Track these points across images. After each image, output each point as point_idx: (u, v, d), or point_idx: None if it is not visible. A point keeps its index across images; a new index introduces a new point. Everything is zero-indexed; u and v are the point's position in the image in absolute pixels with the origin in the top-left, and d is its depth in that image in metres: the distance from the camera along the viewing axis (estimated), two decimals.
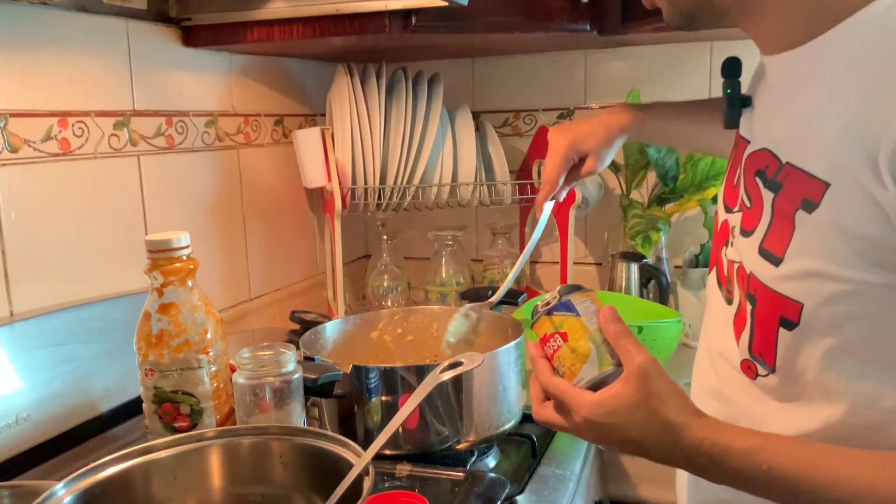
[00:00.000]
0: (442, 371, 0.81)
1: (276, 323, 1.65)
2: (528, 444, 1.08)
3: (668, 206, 1.66)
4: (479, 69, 1.88)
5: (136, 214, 1.31)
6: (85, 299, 1.17)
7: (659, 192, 1.67)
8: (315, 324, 1.37)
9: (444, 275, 1.67)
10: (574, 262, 1.66)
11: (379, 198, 1.55)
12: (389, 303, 1.63)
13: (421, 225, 1.96)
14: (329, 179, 1.54)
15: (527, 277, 1.84)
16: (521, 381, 1.07)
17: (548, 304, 0.73)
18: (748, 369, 0.68)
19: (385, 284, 1.64)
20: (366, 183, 1.54)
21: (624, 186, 1.73)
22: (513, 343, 1.05)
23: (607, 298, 1.43)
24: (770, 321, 0.63)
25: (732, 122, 0.72)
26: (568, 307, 0.73)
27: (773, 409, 0.66)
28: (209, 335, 0.91)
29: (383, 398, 0.98)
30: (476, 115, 1.86)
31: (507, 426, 1.04)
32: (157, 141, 1.35)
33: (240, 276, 1.57)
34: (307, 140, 1.55)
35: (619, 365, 0.66)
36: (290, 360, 0.87)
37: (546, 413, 0.70)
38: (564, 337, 0.69)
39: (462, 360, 0.82)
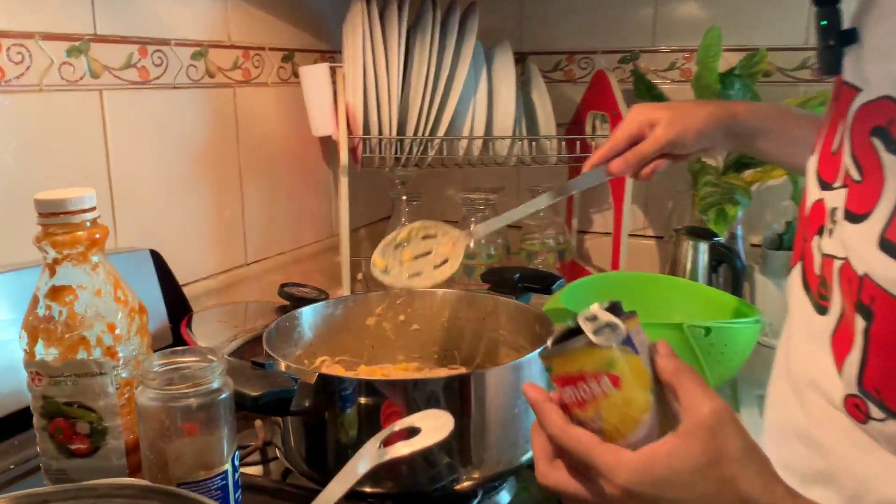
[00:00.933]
0: (383, 444, 0.56)
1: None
2: None
3: (748, 174, 1.35)
4: (529, 1, 1.58)
5: (96, 164, 1.07)
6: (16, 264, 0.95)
7: (737, 155, 1.36)
8: (308, 301, 1.12)
9: (472, 245, 1.40)
10: (629, 235, 1.37)
11: (397, 151, 1.29)
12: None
13: (448, 185, 1.68)
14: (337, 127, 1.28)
15: (571, 250, 1.56)
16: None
17: (597, 325, 0.50)
18: (855, 408, 0.52)
19: None
20: (381, 133, 1.27)
21: None
22: (538, 351, 0.78)
23: (668, 286, 1.15)
24: (893, 344, 0.48)
25: (830, 66, 0.56)
26: (624, 338, 0.51)
27: (889, 466, 0.50)
28: (118, 330, 0.67)
29: (359, 418, 0.73)
30: (521, 57, 1.56)
31: (526, 456, 0.78)
32: (127, 73, 1.11)
33: (233, 237, 1.33)
34: (313, 78, 1.28)
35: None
36: (213, 374, 0.62)
37: (557, 477, 0.53)
38: (616, 381, 0.50)
39: (419, 425, 0.56)
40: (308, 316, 0.94)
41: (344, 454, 0.73)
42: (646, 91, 1.46)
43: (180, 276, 1.21)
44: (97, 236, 0.67)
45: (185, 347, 0.65)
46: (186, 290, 1.22)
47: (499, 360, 0.97)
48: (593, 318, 0.50)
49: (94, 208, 0.67)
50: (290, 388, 0.68)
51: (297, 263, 1.48)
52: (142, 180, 1.14)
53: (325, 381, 0.73)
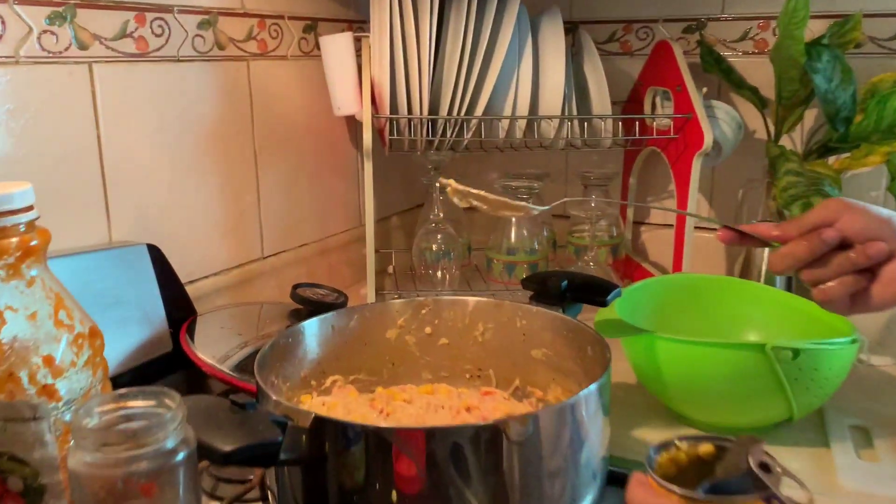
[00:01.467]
0: None
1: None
2: None
3: (835, 160, 1.15)
4: None
5: (84, 147, 0.94)
6: None
7: (823, 138, 1.17)
8: (323, 305, 0.98)
9: (513, 238, 1.24)
10: (693, 228, 1.19)
11: (429, 133, 1.13)
12: (439, 274, 1.21)
13: (486, 170, 1.51)
14: (361, 105, 1.12)
15: (626, 245, 1.38)
16: (605, 418, 0.64)
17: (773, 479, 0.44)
18: None
19: (434, 248, 1.22)
20: (410, 112, 1.11)
21: (772, 129, 1.22)
22: (596, 386, 0.62)
23: (742, 292, 0.97)
24: None
25: None
26: None
27: None
28: (59, 362, 0.53)
29: (366, 472, 0.58)
30: (572, 26, 1.38)
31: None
32: (122, 44, 0.96)
33: (247, 228, 1.19)
34: (334, 50, 1.13)
35: None
36: (167, 428, 0.47)
37: None
38: None
39: None
40: (315, 329, 0.79)
41: None
42: (714, 64, 1.27)
43: (186, 272, 1.07)
44: (34, 243, 0.53)
45: (136, 389, 0.50)
46: (193, 289, 1.08)
47: (542, 385, 0.81)
48: (766, 469, 0.43)
49: (30, 208, 0.53)
50: (272, 441, 0.53)
51: (321, 256, 1.34)
52: (140, 165, 1.00)
53: (322, 427, 0.57)
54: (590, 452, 0.62)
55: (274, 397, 0.61)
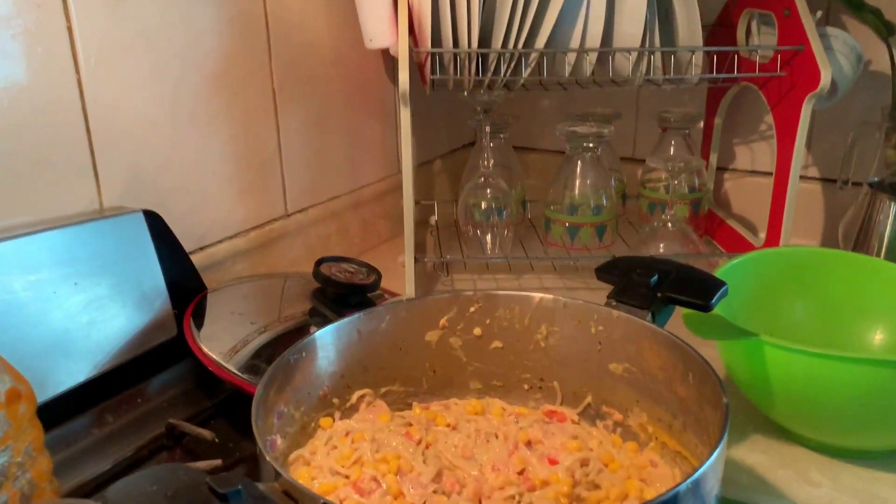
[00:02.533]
0: None
1: (331, 252, 1.11)
2: None
3: None
4: None
5: (62, 96, 0.76)
6: None
7: None
8: (351, 289, 0.81)
9: (576, 193, 1.04)
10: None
11: (478, 71, 0.92)
12: (489, 237, 1.03)
13: (546, 110, 1.30)
14: (396, 38, 0.92)
15: (710, 198, 1.17)
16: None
17: None
18: None
19: (483, 206, 1.03)
20: (457, 45, 0.90)
21: None
22: (707, 466, 0.44)
23: (868, 272, 0.77)
24: None
25: None
26: None
27: None
28: None
29: None
30: None
31: None
32: None
33: (268, 182, 1.02)
34: None
35: None
36: None
37: None
38: None
39: None
40: (334, 338, 0.62)
41: None
42: None
43: (195, 237, 0.91)
44: None
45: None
46: (204, 256, 0.92)
47: (621, 406, 0.63)
48: None
49: None
50: None
51: (354, 210, 1.16)
52: (132, 117, 0.83)
53: None
54: None
55: (273, 464, 0.45)
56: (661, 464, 0.60)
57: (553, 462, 0.58)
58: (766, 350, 0.67)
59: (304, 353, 0.59)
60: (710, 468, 0.44)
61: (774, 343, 0.66)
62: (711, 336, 0.69)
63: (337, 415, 0.63)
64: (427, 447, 0.60)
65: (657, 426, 0.61)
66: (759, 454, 0.70)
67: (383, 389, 0.66)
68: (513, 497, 0.52)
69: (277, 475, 0.44)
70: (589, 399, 0.66)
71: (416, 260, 0.97)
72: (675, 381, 0.58)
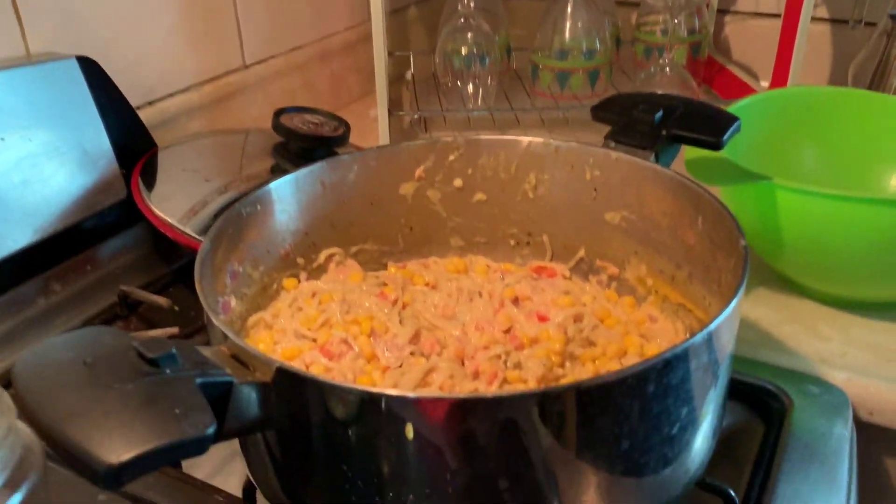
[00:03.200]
0: None
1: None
2: None
3: None
4: None
5: None
6: None
7: None
8: (315, 141, 0.72)
9: (566, 36, 0.94)
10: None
11: None
12: (470, 87, 0.94)
13: None
14: None
15: (709, 41, 1.07)
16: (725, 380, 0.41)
17: None
18: None
19: (463, 51, 0.93)
20: None
21: None
22: (725, 318, 0.38)
23: (876, 110, 0.70)
24: None
25: None
26: None
27: None
28: None
29: (356, 449, 0.36)
30: None
31: (675, 495, 0.41)
32: None
33: (222, 28, 0.91)
34: None
35: None
36: None
37: None
38: None
39: None
40: (294, 189, 0.54)
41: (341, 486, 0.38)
42: None
43: (141, 91, 0.81)
44: None
45: None
46: (153, 112, 0.83)
47: (617, 259, 0.57)
48: None
49: None
50: (195, 438, 0.31)
51: (321, 62, 1.06)
52: None
53: (290, 386, 0.35)
54: (709, 417, 0.40)
55: (219, 327, 0.39)
56: (662, 318, 0.54)
57: (543, 319, 0.52)
58: (778, 194, 0.60)
59: (258, 206, 0.52)
60: (727, 320, 0.38)
61: (788, 186, 0.59)
62: (718, 181, 0.62)
63: (303, 276, 0.57)
64: (403, 307, 0.54)
65: (658, 278, 0.55)
66: (764, 308, 0.65)
67: (354, 248, 0.59)
68: (498, 357, 0.47)
69: (225, 338, 0.38)
70: (582, 253, 0.59)
71: (389, 114, 0.88)
72: (682, 228, 0.51)
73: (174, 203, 0.71)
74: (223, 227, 0.47)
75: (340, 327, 0.50)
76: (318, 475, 0.39)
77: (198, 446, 0.31)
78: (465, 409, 0.33)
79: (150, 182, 0.73)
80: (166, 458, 0.30)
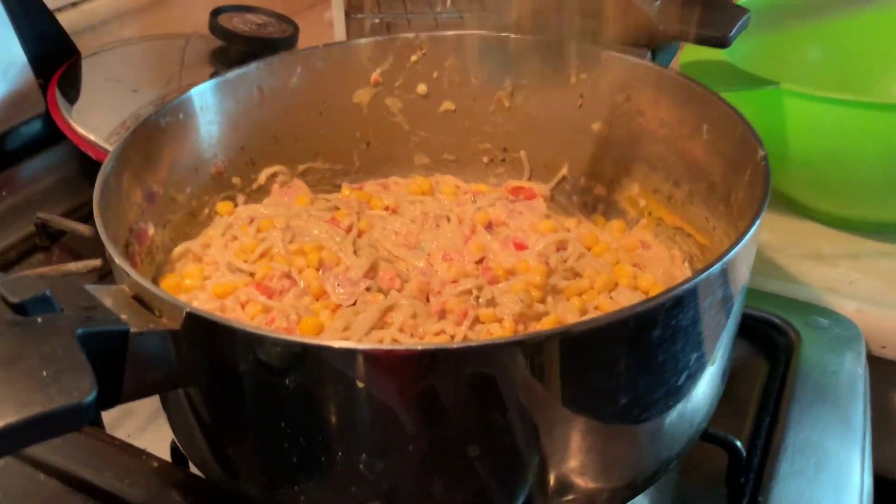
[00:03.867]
0: None
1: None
2: (725, 459, 0.40)
3: None
4: None
5: None
6: None
7: None
8: (258, 44, 0.63)
9: None
10: None
11: None
12: None
13: None
14: None
15: None
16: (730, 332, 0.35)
17: None
18: None
19: None
20: None
21: None
22: (744, 245, 0.30)
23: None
24: None
25: None
26: None
27: None
28: None
29: (293, 404, 0.29)
30: None
31: (677, 452, 0.35)
32: None
33: None
34: None
35: None
36: None
37: None
38: None
39: None
40: (225, 95, 0.46)
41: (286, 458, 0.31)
42: None
43: None
44: None
45: None
46: (79, 14, 0.73)
47: (605, 177, 0.50)
48: None
49: None
50: (66, 408, 0.23)
51: None
52: None
53: (206, 342, 0.28)
54: (712, 375, 0.33)
55: (118, 261, 0.31)
56: (655, 244, 0.47)
57: (520, 247, 0.44)
58: (785, 102, 0.53)
59: (179, 115, 0.43)
60: (745, 248, 0.31)
61: (799, 91, 0.52)
62: (718, 87, 0.54)
63: (240, 199, 0.49)
64: (359, 235, 0.46)
65: (652, 199, 0.48)
66: (766, 232, 0.58)
67: (302, 167, 0.51)
68: (469, 292, 0.40)
69: (126, 275, 0.30)
70: (564, 171, 0.52)
71: (347, 16, 0.78)
72: (682, 139, 0.44)
73: (99, 118, 0.62)
74: (132, 141, 0.39)
75: (282, 259, 0.42)
76: (249, 434, 0.32)
77: (72, 418, 0.24)
78: (425, 363, 0.26)
79: (71, 94, 0.64)
80: (28, 437, 0.23)
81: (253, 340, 0.27)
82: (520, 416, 0.27)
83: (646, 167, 0.47)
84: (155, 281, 0.42)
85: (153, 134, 0.41)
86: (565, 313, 0.39)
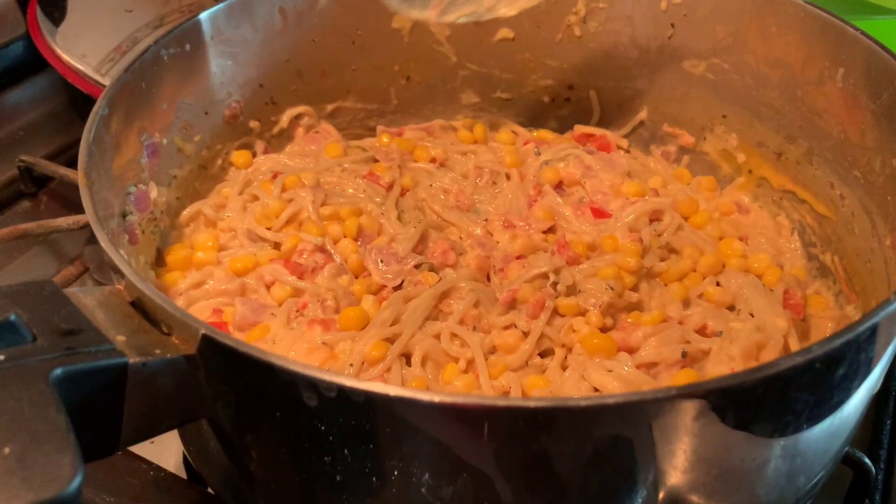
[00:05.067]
0: None
1: None
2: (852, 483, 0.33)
3: None
4: None
5: None
6: None
7: None
8: None
9: None
10: None
11: None
12: None
13: None
14: None
15: None
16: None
17: None
18: None
19: None
20: None
21: None
22: None
23: None
24: None
25: None
26: None
27: None
28: None
29: (340, 449, 0.22)
30: None
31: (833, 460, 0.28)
32: None
33: None
34: None
35: None
36: None
37: None
38: None
39: None
40: (234, 21, 0.37)
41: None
42: None
43: None
44: None
45: None
46: None
47: (694, 124, 0.42)
48: None
49: None
50: (47, 502, 0.16)
51: None
52: None
53: (227, 373, 0.21)
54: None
55: (115, 250, 0.23)
56: (755, 209, 0.40)
57: (600, 214, 0.37)
58: None
59: (186, 45, 0.35)
60: None
61: None
62: (853, 13, 0.45)
63: (258, 146, 0.41)
64: (402, 195, 0.39)
65: (755, 153, 0.40)
66: None
67: (330, 107, 0.43)
68: (545, 277, 0.32)
69: (122, 275, 0.23)
70: (643, 115, 0.44)
71: None
72: (805, 84, 0.36)
73: (88, 43, 0.54)
74: (128, 81, 0.31)
75: (314, 227, 0.35)
76: (284, 471, 0.26)
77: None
78: (539, 423, 0.19)
79: (55, 14, 0.56)
80: None
81: (296, 380, 0.20)
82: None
83: (749, 116, 0.39)
84: (160, 253, 0.35)
85: (153, 70, 0.33)
86: (663, 303, 0.32)
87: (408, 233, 0.35)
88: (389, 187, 0.39)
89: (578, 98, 0.45)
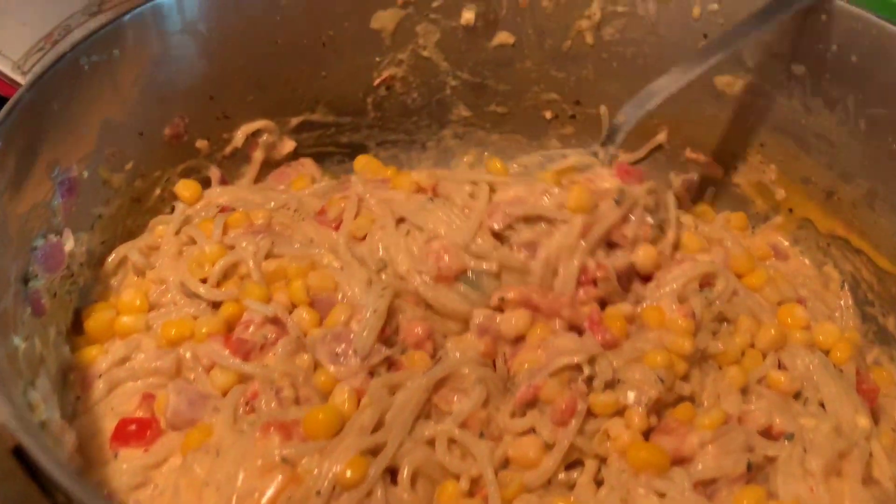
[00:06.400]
0: None
1: None
2: None
3: None
4: None
5: None
6: None
7: None
8: None
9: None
10: None
11: None
12: None
13: None
14: None
15: None
16: None
17: None
18: None
19: None
20: None
21: None
22: None
23: None
24: None
25: None
26: None
27: None
28: None
29: None
30: None
31: None
32: None
33: None
34: None
35: None
36: None
37: None
38: None
39: None
40: (180, 18, 0.29)
41: None
42: None
43: None
44: None
45: None
46: None
47: (724, 155, 0.36)
48: None
49: None
50: None
51: None
52: None
53: None
54: None
55: None
56: (794, 254, 0.34)
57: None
58: None
59: (114, 51, 0.27)
60: None
61: None
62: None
63: (214, 174, 0.33)
64: (362, 239, 0.31)
65: (799, 190, 0.34)
66: None
67: (295, 121, 0.36)
68: (576, 369, 0.25)
69: None
70: (662, 137, 0.37)
71: None
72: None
73: (8, 33, 0.45)
74: (32, 103, 0.23)
75: (257, 287, 0.27)
76: None
77: None
78: None
79: None
80: None
81: None
82: None
83: (794, 146, 0.33)
84: (78, 316, 0.27)
85: (70, 83, 0.25)
86: (722, 398, 0.26)
87: (368, 313, 0.27)
88: (336, 226, 0.30)
89: (586, 115, 0.39)
